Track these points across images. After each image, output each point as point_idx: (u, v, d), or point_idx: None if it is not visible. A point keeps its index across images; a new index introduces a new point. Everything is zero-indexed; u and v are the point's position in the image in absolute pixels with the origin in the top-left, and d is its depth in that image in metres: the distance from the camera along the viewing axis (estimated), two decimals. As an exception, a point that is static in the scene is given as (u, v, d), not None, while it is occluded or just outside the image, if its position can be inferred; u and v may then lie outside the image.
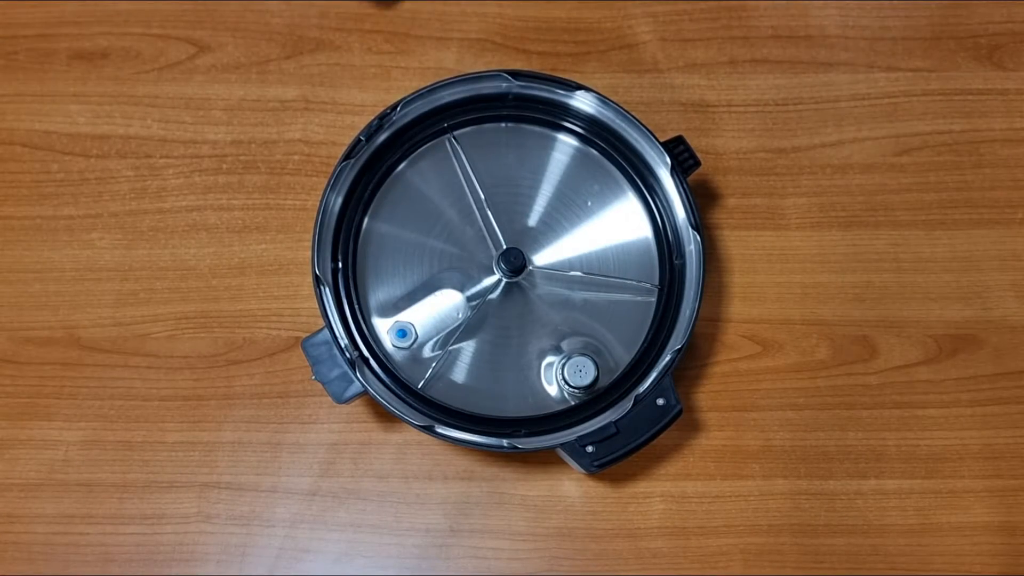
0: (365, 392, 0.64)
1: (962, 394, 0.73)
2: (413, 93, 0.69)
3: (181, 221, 0.76)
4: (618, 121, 0.71)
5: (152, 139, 0.78)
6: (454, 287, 0.69)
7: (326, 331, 0.65)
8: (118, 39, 0.80)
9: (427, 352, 0.68)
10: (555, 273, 0.70)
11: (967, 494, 0.71)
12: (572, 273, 0.70)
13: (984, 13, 0.82)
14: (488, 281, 0.70)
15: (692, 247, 0.69)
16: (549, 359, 0.69)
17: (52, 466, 0.71)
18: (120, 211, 0.76)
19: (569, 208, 0.72)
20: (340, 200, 0.68)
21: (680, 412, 0.65)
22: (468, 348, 0.68)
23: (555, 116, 0.73)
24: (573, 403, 0.67)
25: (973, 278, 0.76)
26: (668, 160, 0.70)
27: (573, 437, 0.64)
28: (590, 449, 0.64)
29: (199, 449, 0.71)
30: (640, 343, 0.68)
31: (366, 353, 0.67)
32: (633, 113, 0.70)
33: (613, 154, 0.72)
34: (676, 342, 0.67)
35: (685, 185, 0.69)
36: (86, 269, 0.75)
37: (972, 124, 0.79)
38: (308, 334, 0.66)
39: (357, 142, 0.68)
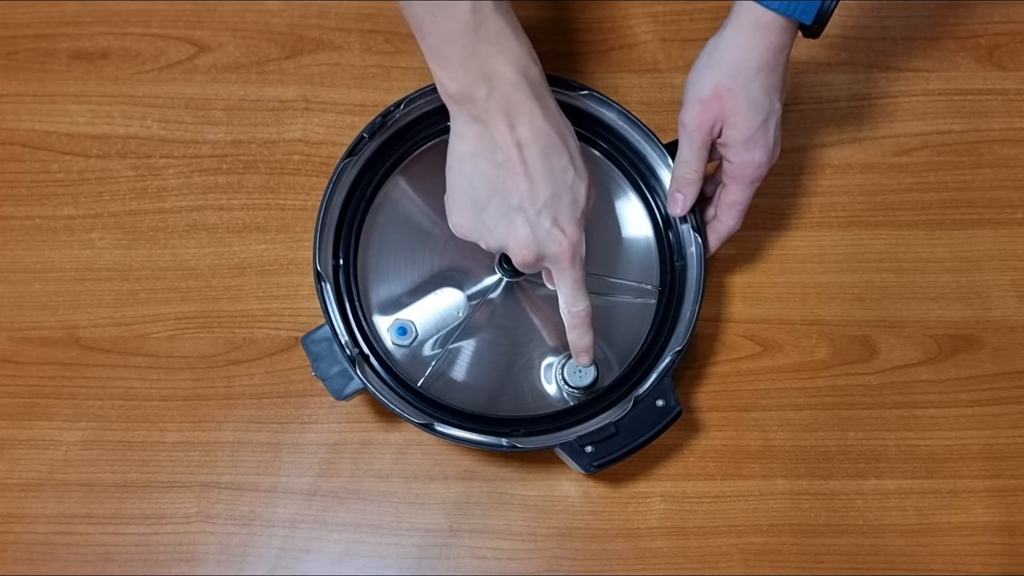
0: (364, 389, 0.64)
1: (962, 394, 0.73)
2: (416, 91, 0.69)
3: (181, 221, 0.76)
4: (620, 122, 0.71)
5: (152, 139, 0.78)
6: (455, 286, 0.69)
7: (326, 327, 0.65)
8: (118, 39, 0.80)
9: (427, 350, 0.68)
10: (555, 273, 0.70)
11: (967, 494, 0.71)
12: (572, 273, 0.70)
13: (984, 13, 0.82)
14: (489, 280, 0.70)
15: (693, 249, 0.69)
16: (549, 359, 0.69)
17: (52, 466, 0.71)
18: (120, 211, 0.76)
19: (569, 208, 0.72)
20: (342, 197, 0.68)
21: (679, 413, 0.65)
22: (468, 347, 0.69)
23: (556, 116, 0.73)
24: (572, 403, 0.67)
25: (973, 278, 0.76)
26: (670, 161, 0.70)
27: (572, 437, 0.64)
28: (589, 449, 0.64)
29: (199, 449, 0.71)
30: (640, 344, 0.69)
31: (366, 350, 0.67)
32: (634, 114, 0.70)
33: (614, 155, 0.72)
34: (676, 344, 0.67)
35: (685, 185, 0.69)
36: (86, 269, 0.75)
37: (972, 124, 0.79)
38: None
39: (360, 139, 0.68)
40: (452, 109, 0.57)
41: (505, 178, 0.56)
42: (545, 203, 0.57)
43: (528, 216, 0.57)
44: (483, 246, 0.60)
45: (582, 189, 0.58)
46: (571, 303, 0.62)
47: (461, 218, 0.59)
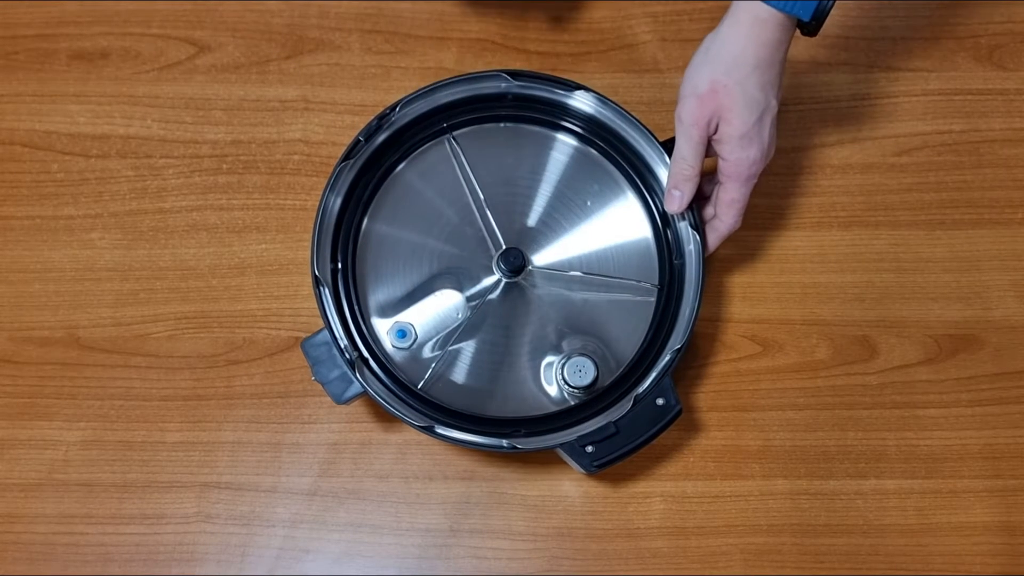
0: (365, 393, 0.64)
1: (962, 394, 0.73)
2: (413, 93, 0.69)
3: (181, 221, 0.76)
4: (617, 121, 0.71)
5: (152, 139, 0.78)
6: (454, 287, 0.69)
7: (326, 332, 0.65)
8: (118, 39, 0.80)
9: (427, 352, 0.68)
10: (555, 273, 0.70)
11: (967, 494, 0.71)
12: (572, 273, 0.70)
13: (984, 13, 0.82)
14: (488, 281, 0.70)
15: (692, 247, 0.69)
16: (549, 359, 0.68)
17: (52, 466, 0.71)
18: (120, 211, 0.76)
19: (569, 208, 0.72)
20: (339, 200, 0.68)
21: (680, 412, 0.65)
22: (468, 348, 0.68)
23: (554, 116, 0.73)
24: (573, 403, 0.67)
25: (973, 278, 0.76)
26: (667, 160, 0.70)
27: (573, 437, 0.64)
28: (590, 449, 0.64)
29: (199, 449, 0.71)
30: (640, 343, 0.68)
31: (366, 354, 0.66)
32: (633, 113, 0.70)
33: (612, 154, 0.72)
34: (676, 342, 0.67)
35: (685, 185, 0.69)
36: (86, 269, 0.75)
37: (972, 124, 0.79)
38: (308, 334, 0.66)
39: (356, 143, 0.68)
40: None
41: None
42: None
43: None
44: None
45: None
46: None
47: None
